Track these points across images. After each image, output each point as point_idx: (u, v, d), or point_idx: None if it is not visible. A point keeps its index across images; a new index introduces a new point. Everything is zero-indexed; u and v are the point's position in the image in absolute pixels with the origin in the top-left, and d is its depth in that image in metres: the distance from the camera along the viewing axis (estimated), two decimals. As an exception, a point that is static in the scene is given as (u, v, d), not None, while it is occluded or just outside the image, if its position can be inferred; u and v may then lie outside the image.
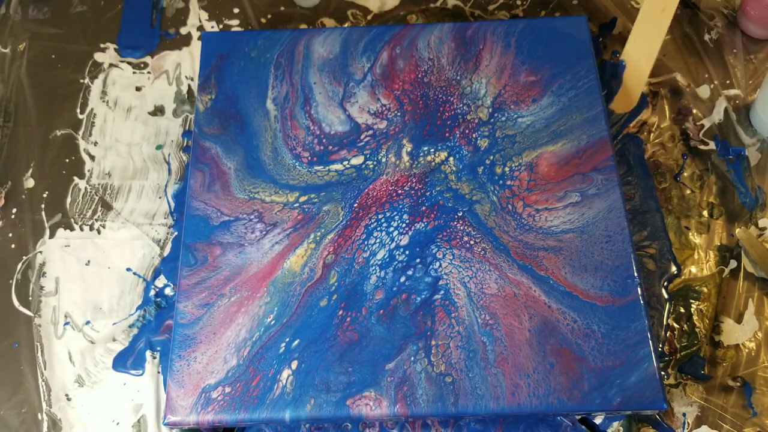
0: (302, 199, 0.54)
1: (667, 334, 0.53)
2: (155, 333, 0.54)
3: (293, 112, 0.58)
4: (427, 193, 0.54)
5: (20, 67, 0.66)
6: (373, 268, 0.51)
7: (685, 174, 0.59)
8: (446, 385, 0.48)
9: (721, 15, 0.66)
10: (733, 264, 0.55)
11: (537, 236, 0.52)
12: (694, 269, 0.55)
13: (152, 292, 0.56)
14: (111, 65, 0.66)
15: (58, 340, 0.55)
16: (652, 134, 0.61)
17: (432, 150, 0.56)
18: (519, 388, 0.47)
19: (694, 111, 0.62)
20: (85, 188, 0.60)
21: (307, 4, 0.68)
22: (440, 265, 0.51)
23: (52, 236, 0.58)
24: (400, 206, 0.54)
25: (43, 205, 0.60)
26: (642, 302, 0.49)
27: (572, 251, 0.51)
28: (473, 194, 0.54)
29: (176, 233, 0.58)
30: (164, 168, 0.61)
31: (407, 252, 0.52)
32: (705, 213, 0.57)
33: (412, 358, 0.48)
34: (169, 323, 0.54)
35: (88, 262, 0.57)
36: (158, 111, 0.63)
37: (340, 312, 0.50)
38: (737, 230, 0.56)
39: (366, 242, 0.52)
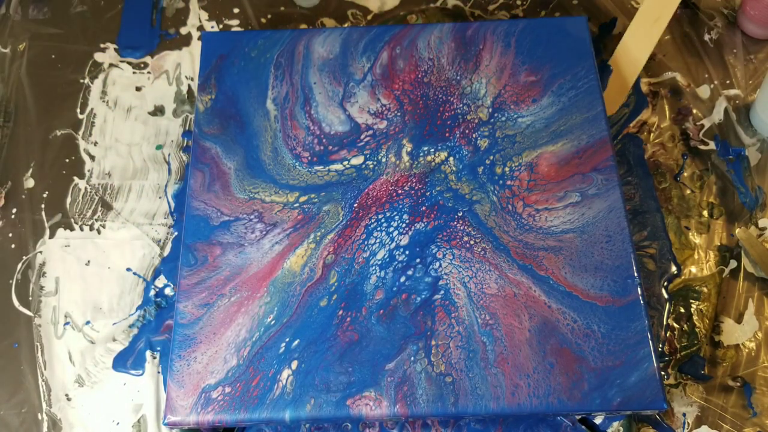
0: (302, 199, 0.54)
1: (667, 334, 0.53)
2: (155, 333, 0.54)
3: (293, 112, 0.58)
4: (427, 193, 0.54)
5: (20, 67, 0.66)
6: (373, 268, 0.51)
7: (685, 174, 0.59)
8: (446, 385, 0.47)
9: (721, 15, 0.66)
10: (733, 264, 0.55)
11: (537, 236, 0.52)
12: (694, 269, 0.55)
13: (152, 292, 0.56)
14: (111, 65, 0.66)
15: (58, 340, 0.55)
16: (652, 134, 0.61)
17: (432, 150, 0.56)
18: (519, 388, 0.47)
19: (694, 111, 0.61)
20: (85, 188, 0.60)
21: (307, 4, 0.68)
22: (440, 265, 0.51)
23: (52, 236, 0.58)
24: (400, 206, 0.54)
25: (43, 205, 0.60)
26: (642, 302, 0.49)
27: (572, 251, 0.51)
28: (473, 194, 0.54)
29: (176, 233, 0.58)
30: (164, 168, 0.61)
31: (407, 252, 0.52)
32: (705, 213, 0.57)
33: (412, 358, 0.48)
34: (169, 323, 0.54)
35: (88, 262, 0.57)
36: (158, 111, 0.63)
37: (340, 312, 0.50)
38: (737, 230, 0.56)
39: (366, 242, 0.52)
